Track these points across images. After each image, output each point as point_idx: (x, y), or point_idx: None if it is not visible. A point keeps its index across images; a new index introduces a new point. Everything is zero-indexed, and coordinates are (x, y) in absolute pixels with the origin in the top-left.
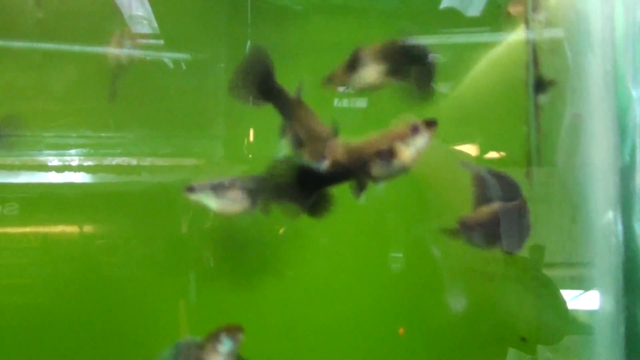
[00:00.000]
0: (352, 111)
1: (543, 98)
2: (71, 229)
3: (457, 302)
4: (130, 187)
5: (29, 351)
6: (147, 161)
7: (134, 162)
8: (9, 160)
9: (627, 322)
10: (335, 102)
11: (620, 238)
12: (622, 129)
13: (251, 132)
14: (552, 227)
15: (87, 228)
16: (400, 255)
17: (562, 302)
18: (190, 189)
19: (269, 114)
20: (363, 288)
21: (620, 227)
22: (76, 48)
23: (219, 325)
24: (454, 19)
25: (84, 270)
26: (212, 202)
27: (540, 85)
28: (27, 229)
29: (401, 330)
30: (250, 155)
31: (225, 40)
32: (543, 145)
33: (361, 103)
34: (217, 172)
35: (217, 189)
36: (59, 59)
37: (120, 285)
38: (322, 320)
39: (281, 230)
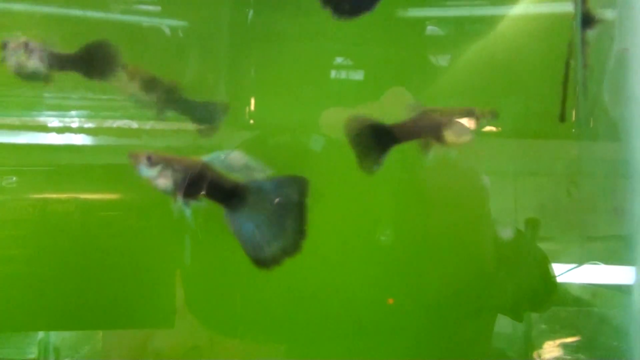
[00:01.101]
0: (348, 83)
1: (590, 33)
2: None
3: None
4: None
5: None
6: (148, 125)
7: (134, 125)
8: (8, 120)
9: None
10: (333, 73)
11: None
12: None
13: (252, 99)
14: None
15: (88, 189)
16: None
17: (551, 274)
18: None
19: (271, 81)
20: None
21: None
22: (76, 12)
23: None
24: None
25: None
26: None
27: (587, 20)
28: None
29: (390, 300)
30: (251, 121)
31: (227, 6)
32: (589, 80)
33: (358, 75)
34: (218, 137)
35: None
36: (61, 21)
37: (118, 249)
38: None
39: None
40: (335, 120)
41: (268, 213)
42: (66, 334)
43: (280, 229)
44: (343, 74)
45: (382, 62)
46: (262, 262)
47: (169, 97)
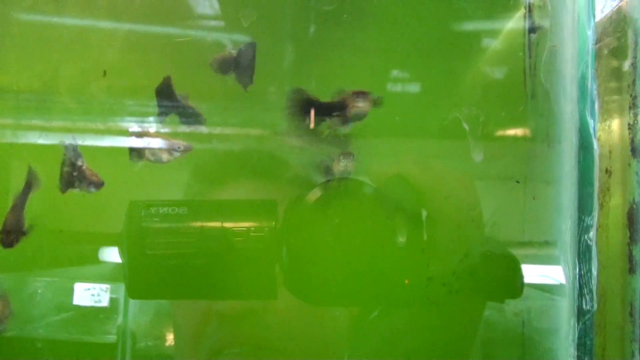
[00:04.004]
0: (404, 95)
1: (534, 37)
2: None
3: None
4: (202, 153)
5: None
6: (217, 130)
7: (205, 130)
8: (95, 125)
9: None
10: (389, 86)
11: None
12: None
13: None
14: None
15: None
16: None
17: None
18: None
19: (330, 94)
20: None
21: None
22: (142, 28)
23: None
24: None
25: None
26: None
27: (532, 29)
28: None
29: (406, 281)
30: (311, 127)
31: (289, 21)
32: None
33: (414, 87)
34: (279, 142)
35: None
36: (132, 38)
37: None
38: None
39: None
40: None
41: None
42: (142, 321)
43: None
44: (399, 87)
45: (438, 76)
46: None
47: None
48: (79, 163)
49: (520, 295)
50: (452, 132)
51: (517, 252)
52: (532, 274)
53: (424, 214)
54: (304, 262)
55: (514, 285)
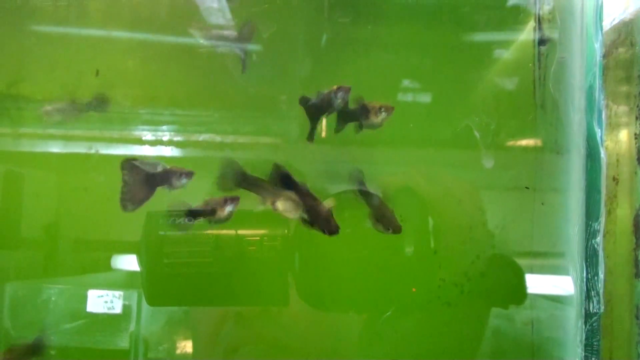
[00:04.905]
0: (415, 105)
1: (543, 48)
2: None
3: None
4: (215, 161)
5: None
6: (229, 138)
7: (218, 138)
8: (109, 134)
9: None
10: (399, 95)
11: None
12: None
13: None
14: None
15: None
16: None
17: (521, 272)
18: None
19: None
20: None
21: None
22: (157, 38)
23: None
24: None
25: None
26: None
27: (542, 41)
28: None
29: (414, 289)
30: (323, 135)
31: (301, 30)
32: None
33: (425, 97)
34: (292, 150)
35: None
36: (148, 47)
37: None
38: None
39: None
40: None
41: None
42: (154, 329)
43: None
44: (416, 84)
45: (450, 86)
46: None
47: None
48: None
49: (524, 301)
50: (463, 141)
51: (525, 256)
52: (541, 279)
53: (431, 222)
54: (316, 270)
55: (521, 291)
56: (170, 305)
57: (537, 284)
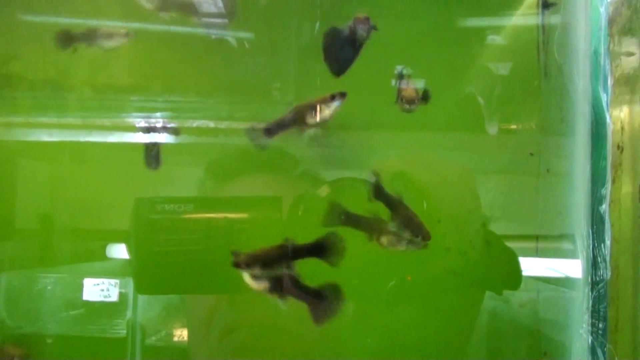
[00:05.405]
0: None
1: (547, 12)
2: None
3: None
4: (208, 147)
5: None
6: (223, 124)
7: (211, 124)
8: (102, 121)
9: None
10: (392, 82)
11: None
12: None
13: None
14: None
15: None
16: None
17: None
18: None
19: (336, 85)
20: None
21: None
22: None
23: None
24: None
25: None
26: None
27: (546, 4)
28: None
29: (409, 278)
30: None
31: (295, 19)
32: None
33: (420, 84)
34: (286, 135)
35: None
36: (139, 33)
37: None
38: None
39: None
40: None
41: None
42: (151, 315)
43: None
44: (415, 56)
45: (443, 71)
46: None
47: None
48: None
49: (519, 285)
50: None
51: (531, 223)
52: (546, 247)
53: (434, 191)
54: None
55: (516, 275)
56: (161, 293)
57: (542, 253)
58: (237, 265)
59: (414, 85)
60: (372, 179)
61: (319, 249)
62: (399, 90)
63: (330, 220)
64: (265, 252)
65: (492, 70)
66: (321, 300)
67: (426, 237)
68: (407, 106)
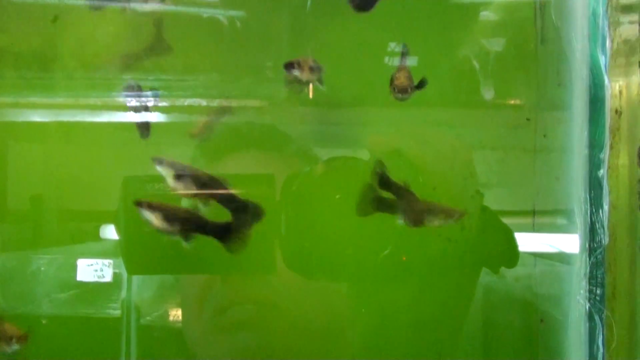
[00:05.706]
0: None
1: None
2: None
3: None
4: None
5: None
6: (215, 102)
7: (203, 102)
8: (91, 100)
9: None
10: (386, 59)
11: None
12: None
13: None
14: None
15: None
16: None
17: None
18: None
19: (327, 60)
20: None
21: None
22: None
23: None
24: None
25: None
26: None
27: None
28: None
29: (404, 258)
30: (310, 96)
31: None
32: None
33: (412, 61)
34: (279, 113)
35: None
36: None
37: None
38: None
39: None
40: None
41: None
42: (146, 295)
43: None
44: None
45: (438, 37)
46: None
47: None
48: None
49: (516, 262)
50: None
51: (528, 189)
52: (544, 213)
53: (428, 158)
54: (303, 236)
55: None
56: (152, 274)
57: (539, 220)
58: (139, 204)
59: (408, 73)
60: (378, 170)
61: (222, 232)
62: (392, 80)
63: (364, 206)
64: (172, 209)
65: (488, 34)
66: (229, 231)
67: (462, 215)
68: (399, 95)
